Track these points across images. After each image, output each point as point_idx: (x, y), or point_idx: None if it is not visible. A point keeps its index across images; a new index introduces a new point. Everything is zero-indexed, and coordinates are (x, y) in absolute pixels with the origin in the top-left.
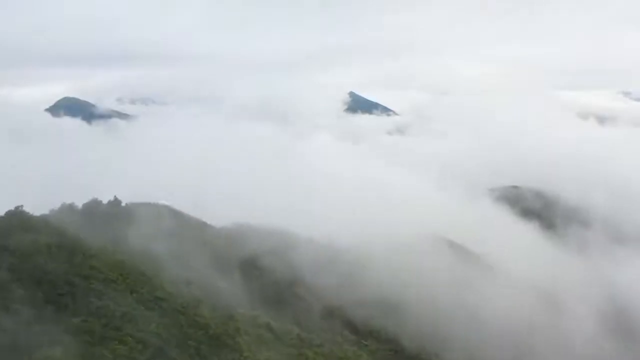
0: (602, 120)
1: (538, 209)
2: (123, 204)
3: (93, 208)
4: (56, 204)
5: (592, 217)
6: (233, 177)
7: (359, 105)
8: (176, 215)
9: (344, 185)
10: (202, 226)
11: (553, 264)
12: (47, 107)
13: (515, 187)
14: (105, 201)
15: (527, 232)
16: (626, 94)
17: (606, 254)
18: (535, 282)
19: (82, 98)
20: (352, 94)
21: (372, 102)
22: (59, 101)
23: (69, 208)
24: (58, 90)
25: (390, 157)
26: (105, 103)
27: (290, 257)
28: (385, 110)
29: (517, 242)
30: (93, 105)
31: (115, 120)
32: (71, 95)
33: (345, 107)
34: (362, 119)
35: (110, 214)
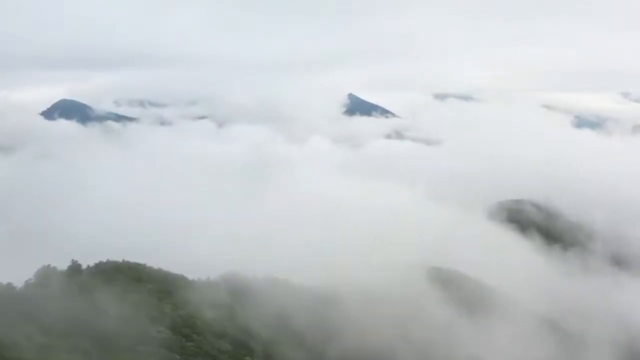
0: (603, 120)
1: (538, 224)
2: (83, 268)
3: (41, 284)
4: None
5: (594, 231)
6: (216, 199)
7: (357, 107)
8: (153, 279)
9: (332, 209)
10: (180, 287)
11: (557, 288)
12: (44, 109)
13: (515, 200)
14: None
15: (527, 252)
16: (625, 94)
17: (610, 273)
18: (540, 311)
19: (79, 100)
20: (351, 96)
21: (371, 104)
22: (55, 103)
23: (8, 289)
24: (56, 93)
25: (386, 166)
26: (102, 105)
27: (250, 309)
28: (385, 112)
29: (517, 263)
30: (89, 108)
31: (110, 122)
32: (68, 97)
33: (344, 109)
34: (361, 122)
35: (61, 293)
